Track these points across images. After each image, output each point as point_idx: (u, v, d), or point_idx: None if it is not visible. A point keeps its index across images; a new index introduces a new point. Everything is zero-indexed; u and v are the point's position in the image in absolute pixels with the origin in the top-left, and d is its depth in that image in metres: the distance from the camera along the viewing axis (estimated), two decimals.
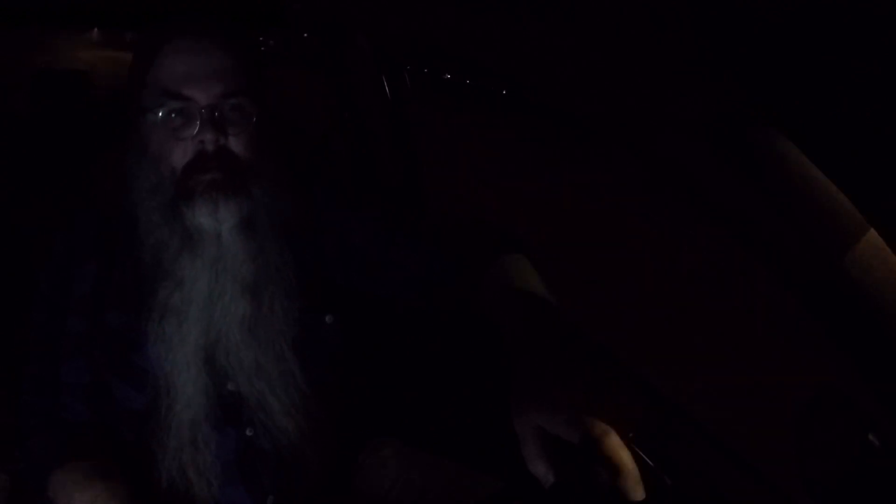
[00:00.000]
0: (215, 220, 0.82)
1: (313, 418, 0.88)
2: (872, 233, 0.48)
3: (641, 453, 0.66)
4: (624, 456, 0.54)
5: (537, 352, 0.63)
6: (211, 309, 0.84)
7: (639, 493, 0.53)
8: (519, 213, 5.37)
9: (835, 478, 0.51)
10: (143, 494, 0.84)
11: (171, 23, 0.87)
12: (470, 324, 0.88)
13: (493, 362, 1.06)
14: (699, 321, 3.68)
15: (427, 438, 1.07)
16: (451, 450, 1.03)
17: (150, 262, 0.85)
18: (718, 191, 0.57)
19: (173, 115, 0.82)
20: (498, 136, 8.45)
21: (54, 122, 1.39)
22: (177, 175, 0.83)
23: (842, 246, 0.49)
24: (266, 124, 0.89)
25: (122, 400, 0.88)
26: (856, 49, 0.37)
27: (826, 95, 0.41)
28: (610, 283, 4.11)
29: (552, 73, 0.65)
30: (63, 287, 0.90)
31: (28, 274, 0.94)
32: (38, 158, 1.36)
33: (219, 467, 0.86)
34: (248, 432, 0.87)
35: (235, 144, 0.83)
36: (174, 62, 0.83)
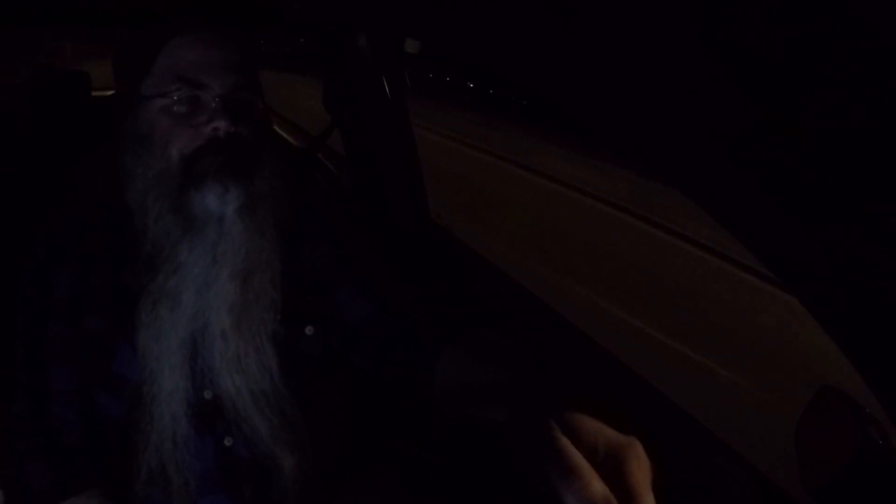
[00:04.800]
0: (222, 201, 0.82)
1: (288, 421, 0.88)
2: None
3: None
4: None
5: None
6: (205, 293, 0.84)
7: None
8: (518, 212, 5.38)
9: (835, 478, 0.51)
10: (125, 491, 0.84)
11: (178, 19, 0.87)
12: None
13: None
14: (699, 320, 3.69)
15: (410, 454, 1.07)
16: (433, 463, 1.04)
17: (146, 253, 0.84)
18: (719, 190, 0.57)
19: (186, 102, 0.82)
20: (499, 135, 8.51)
21: (54, 122, 1.39)
22: (186, 159, 0.82)
23: (845, 247, 0.49)
24: (267, 121, 0.90)
25: (102, 406, 0.88)
26: (857, 50, 0.37)
27: (828, 96, 0.41)
28: (609, 282, 4.11)
29: (553, 73, 0.65)
30: (43, 292, 0.89)
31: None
32: (38, 159, 1.36)
33: (198, 468, 0.86)
34: (227, 442, 0.88)
35: (244, 134, 0.84)
36: (190, 51, 0.83)
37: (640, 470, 0.48)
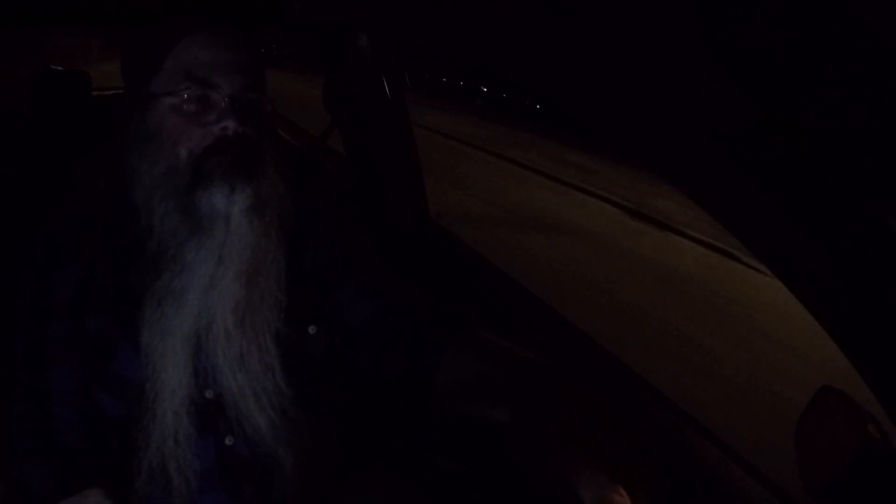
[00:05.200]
0: (229, 201, 0.82)
1: (290, 420, 0.88)
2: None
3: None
4: None
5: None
6: (210, 292, 0.84)
7: None
8: (519, 212, 5.39)
9: (835, 478, 0.51)
10: (125, 490, 0.84)
11: (186, 18, 0.87)
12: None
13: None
14: (699, 320, 3.69)
15: (410, 454, 1.07)
16: (433, 463, 1.04)
17: (150, 252, 0.84)
18: (719, 190, 0.57)
19: (196, 101, 0.83)
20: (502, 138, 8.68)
21: (54, 122, 1.39)
22: (195, 158, 0.83)
23: (845, 247, 0.49)
24: (272, 122, 0.91)
25: (103, 406, 0.88)
26: (857, 50, 0.37)
27: (828, 96, 0.41)
28: (609, 282, 4.11)
29: (554, 73, 0.65)
30: (44, 292, 0.89)
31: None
32: (38, 159, 1.36)
33: (199, 467, 0.86)
34: (228, 441, 0.88)
35: (252, 134, 0.85)
36: (201, 50, 0.84)
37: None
